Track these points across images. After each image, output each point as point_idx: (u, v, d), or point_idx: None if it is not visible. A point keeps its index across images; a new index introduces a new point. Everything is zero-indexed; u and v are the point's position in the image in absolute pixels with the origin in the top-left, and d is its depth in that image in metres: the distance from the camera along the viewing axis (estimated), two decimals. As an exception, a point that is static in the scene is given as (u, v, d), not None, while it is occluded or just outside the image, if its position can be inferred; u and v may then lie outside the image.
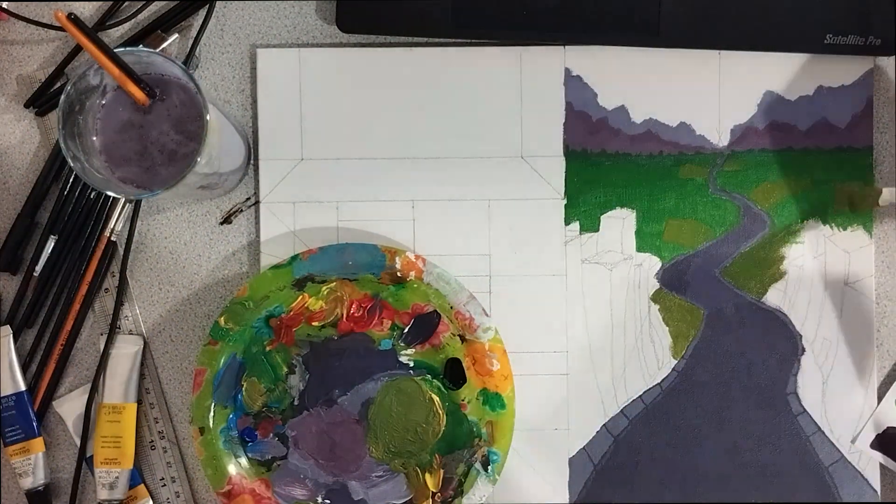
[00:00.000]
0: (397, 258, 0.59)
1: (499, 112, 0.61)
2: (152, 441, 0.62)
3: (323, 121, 0.61)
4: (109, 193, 0.52)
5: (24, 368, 0.62)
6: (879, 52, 0.60)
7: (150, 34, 0.62)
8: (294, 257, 0.60)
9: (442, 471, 0.61)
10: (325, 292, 0.61)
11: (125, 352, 0.61)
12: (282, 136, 0.61)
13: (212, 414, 0.60)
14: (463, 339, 0.60)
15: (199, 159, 0.50)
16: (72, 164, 0.51)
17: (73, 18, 0.48)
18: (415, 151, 0.61)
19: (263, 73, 0.61)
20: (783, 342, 0.61)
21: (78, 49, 0.62)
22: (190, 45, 0.62)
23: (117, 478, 0.61)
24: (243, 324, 0.60)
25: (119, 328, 0.62)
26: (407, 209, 0.61)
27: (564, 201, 0.61)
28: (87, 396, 0.62)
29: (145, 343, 0.62)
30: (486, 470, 0.59)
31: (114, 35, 0.62)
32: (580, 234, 0.61)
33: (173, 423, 0.63)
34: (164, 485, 0.62)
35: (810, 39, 0.60)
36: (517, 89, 0.61)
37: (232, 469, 0.60)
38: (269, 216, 0.61)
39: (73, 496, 0.62)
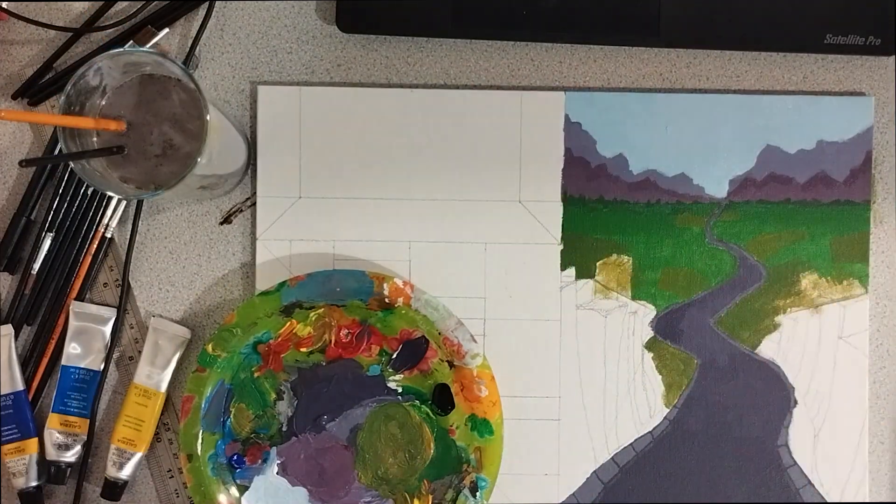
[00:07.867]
0: (385, 284, 0.59)
1: (498, 156, 0.61)
2: (158, 433, 0.62)
3: (322, 160, 0.61)
4: (110, 194, 0.52)
5: (24, 367, 0.62)
6: (879, 52, 0.61)
7: (140, 30, 0.62)
8: (282, 284, 0.60)
9: (430, 496, 0.61)
10: (313, 318, 0.61)
11: (171, 340, 0.61)
12: (280, 173, 0.61)
13: (200, 441, 0.60)
14: (451, 364, 0.60)
15: (199, 159, 0.50)
16: (72, 165, 0.51)
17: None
18: (413, 193, 0.61)
19: (264, 111, 0.61)
20: (776, 394, 0.61)
21: (67, 45, 0.62)
22: (190, 45, 0.62)
23: (129, 459, 0.61)
24: (231, 350, 0.60)
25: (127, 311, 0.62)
26: (403, 250, 0.61)
27: (561, 247, 0.61)
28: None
29: (192, 336, 0.62)
30: (474, 496, 0.59)
31: (104, 31, 0.62)
32: (576, 279, 0.61)
33: (178, 415, 0.62)
34: (172, 476, 0.62)
35: (810, 39, 0.60)
36: (517, 134, 0.61)
37: (221, 498, 0.60)
38: (265, 252, 0.61)
39: (82, 472, 0.62)
